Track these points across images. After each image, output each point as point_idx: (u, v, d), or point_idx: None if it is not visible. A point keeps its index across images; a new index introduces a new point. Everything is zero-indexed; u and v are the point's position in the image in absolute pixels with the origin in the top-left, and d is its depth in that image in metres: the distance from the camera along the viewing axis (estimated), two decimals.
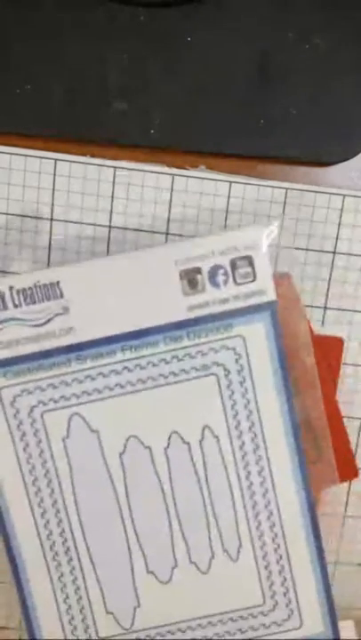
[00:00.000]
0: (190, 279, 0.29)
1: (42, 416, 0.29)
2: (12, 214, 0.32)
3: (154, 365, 0.29)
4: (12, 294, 0.29)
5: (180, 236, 0.32)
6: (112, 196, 0.32)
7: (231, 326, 0.29)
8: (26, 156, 0.31)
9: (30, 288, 0.29)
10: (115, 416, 0.30)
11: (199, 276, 0.29)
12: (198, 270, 0.29)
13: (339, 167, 0.32)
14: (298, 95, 0.31)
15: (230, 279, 0.29)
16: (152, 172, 0.32)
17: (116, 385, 0.29)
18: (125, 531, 0.30)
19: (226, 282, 0.29)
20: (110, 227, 0.32)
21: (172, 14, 0.31)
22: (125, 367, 0.29)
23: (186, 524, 0.30)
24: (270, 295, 0.29)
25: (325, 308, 0.33)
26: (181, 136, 0.31)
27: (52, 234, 0.32)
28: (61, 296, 0.29)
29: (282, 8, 0.31)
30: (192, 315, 0.29)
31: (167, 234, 0.32)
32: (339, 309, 0.33)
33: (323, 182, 0.32)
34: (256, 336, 0.29)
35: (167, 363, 0.29)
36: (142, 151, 0.32)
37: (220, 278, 0.29)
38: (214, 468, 0.30)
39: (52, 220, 0.32)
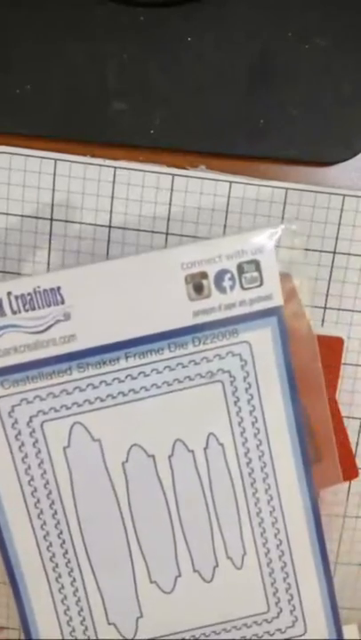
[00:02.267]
0: (196, 284, 0.28)
1: (42, 426, 0.28)
2: (12, 214, 0.31)
3: (158, 372, 0.28)
4: (9, 300, 0.27)
5: (180, 236, 0.31)
6: (112, 196, 0.31)
7: (237, 332, 0.28)
8: (26, 155, 0.31)
9: (30, 294, 0.27)
10: (117, 424, 0.28)
11: (205, 281, 0.28)
12: (204, 275, 0.28)
13: (339, 167, 0.31)
14: (298, 95, 0.30)
15: (237, 284, 0.28)
16: (152, 171, 0.31)
17: (119, 393, 0.28)
18: (128, 540, 0.29)
19: (232, 287, 0.28)
20: (110, 227, 0.31)
21: (172, 14, 0.30)
22: (129, 375, 0.28)
23: (189, 533, 0.29)
24: (277, 300, 0.28)
25: (325, 308, 0.32)
26: (181, 136, 0.30)
27: (51, 234, 0.31)
28: (62, 302, 0.27)
29: (282, 8, 0.30)
30: (197, 320, 0.28)
31: (167, 234, 0.31)
32: (339, 309, 0.32)
33: (323, 182, 0.31)
34: (262, 342, 0.28)
35: (172, 370, 0.28)
36: (142, 151, 0.31)
37: (227, 283, 0.28)
38: (219, 475, 0.29)
39: (52, 219, 0.31)
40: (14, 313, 0.27)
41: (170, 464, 0.29)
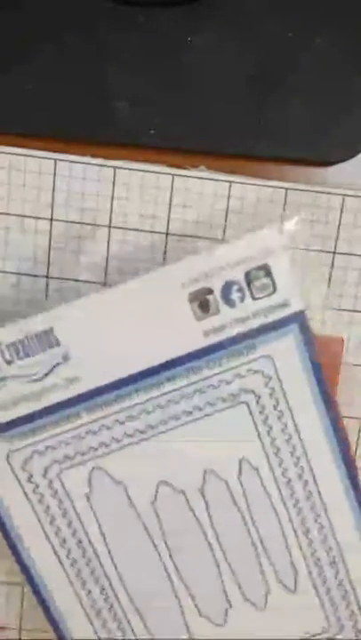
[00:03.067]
0: (201, 301, 0.26)
1: (58, 476, 0.27)
2: (12, 214, 0.31)
3: (175, 403, 0.26)
4: (1, 350, 0.25)
5: (180, 236, 0.31)
6: (112, 196, 0.31)
7: (255, 347, 0.26)
8: (26, 156, 0.30)
9: (21, 341, 0.25)
10: (139, 463, 0.27)
11: (211, 297, 0.26)
12: (209, 290, 0.26)
13: (339, 167, 0.31)
14: (298, 95, 0.30)
15: (247, 294, 0.26)
16: (152, 171, 0.31)
17: (136, 430, 0.27)
18: (171, 581, 0.28)
19: (242, 298, 0.26)
20: (110, 227, 0.31)
21: (172, 14, 0.30)
22: (142, 410, 0.26)
23: (235, 563, 0.28)
24: (296, 305, 0.26)
25: (325, 308, 0.32)
26: (181, 136, 0.30)
27: (52, 234, 0.31)
28: (57, 344, 0.25)
29: (282, 8, 0.30)
30: (209, 341, 0.26)
31: (167, 234, 0.31)
32: (339, 309, 0.32)
33: (323, 182, 0.31)
34: (285, 353, 0.26)
35: (189, 398, 0.26)
36: (142, 151, 0.31)
37: (235, 295, 0.26)
38: (257, 501, 0.27)
39: (52, 220, 0.31)
40: (8, 363, 0.26)
41: (203, 496, 0.27)
